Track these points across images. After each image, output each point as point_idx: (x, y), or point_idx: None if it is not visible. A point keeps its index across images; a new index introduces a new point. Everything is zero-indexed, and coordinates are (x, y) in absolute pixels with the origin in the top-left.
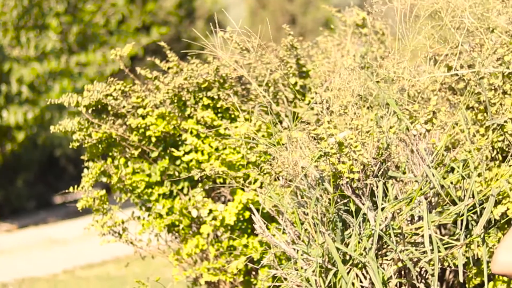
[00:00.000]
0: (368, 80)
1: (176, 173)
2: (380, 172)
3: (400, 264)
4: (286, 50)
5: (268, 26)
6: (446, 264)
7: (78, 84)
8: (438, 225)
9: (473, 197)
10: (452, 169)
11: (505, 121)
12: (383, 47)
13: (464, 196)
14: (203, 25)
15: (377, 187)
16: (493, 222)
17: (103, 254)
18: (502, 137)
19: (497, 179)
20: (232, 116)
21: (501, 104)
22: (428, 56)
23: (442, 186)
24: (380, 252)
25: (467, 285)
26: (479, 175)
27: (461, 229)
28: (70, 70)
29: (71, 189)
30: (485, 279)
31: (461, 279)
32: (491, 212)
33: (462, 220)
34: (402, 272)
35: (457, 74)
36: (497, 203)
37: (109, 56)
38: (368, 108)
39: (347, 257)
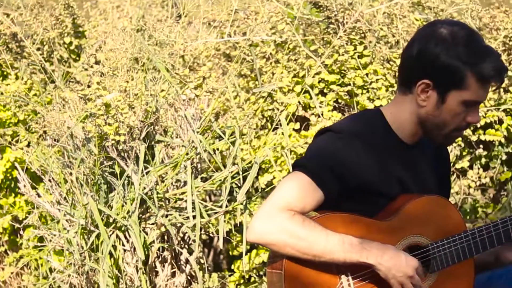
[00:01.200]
0: (143, 43)
1: None
2: (147, 136)
3: (163, 229)
4: (63, 9)
5: None
6: (211, 231)
7: None
8: (209, 193)
9: (237, 164)
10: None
11: (274, 90)
12: (164, 10)
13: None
14: None
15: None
16: (260, 190)
17: None
18: (272, 106)
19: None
20: (4, 73)
21: (272, 73)
22: (202, 21)
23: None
24: (144, 216)
25: (230, 252)
26: (248, 142)
27: (224, 196)
28: None
29: None
30: (244, 246)
31: (220, 245)
32: (258, 180)
33: (226, 187)
34: (166, 237)
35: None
36: (264, 171)
37: None
38: (143, 71)
39: (111, 220)
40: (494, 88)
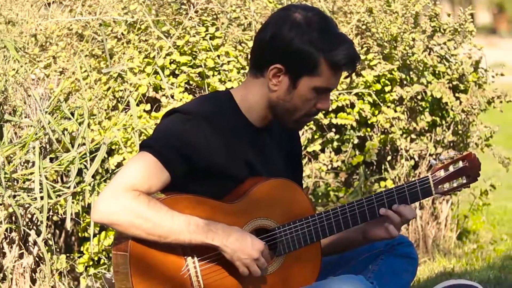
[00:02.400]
0: None
1: None
2: None
3: (11, 210)
4: None
5: None
6: (60, 212)
7: None
8: (61, 174)
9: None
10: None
11: (123, 70)
12: None
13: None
14: None
15: None
16: (110, 171)
17: None
18: (123, 86)
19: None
20: None
21: (124, 53)
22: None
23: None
24: None
25: (80, 234)
26: (98, 123)
27: (72, 177)
28: None
29: None
30: (92, 228)
31: (68, 227)
32: (108, 161)
33: (74, 168)
34: (14, 218)
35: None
36: (115, 152)
37: None
38: None
39: None
40: (346, 76)
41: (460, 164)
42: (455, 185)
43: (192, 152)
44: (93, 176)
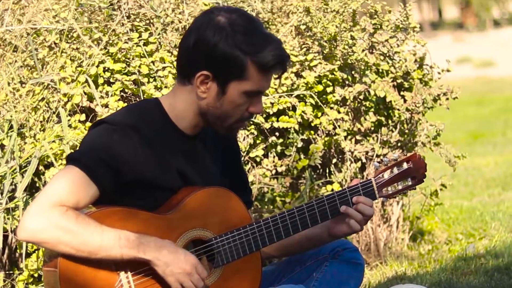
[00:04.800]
0: None
1: None
2: None
3: None
4: None
5: None
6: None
7: None
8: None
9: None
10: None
11: (52, 80)
12: None
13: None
14: None
15: None
16: None
17: None
18: (57, 97)
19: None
20: None
21: (56, 62)
22: None
23: None
24: None
25: (19, 251)
26: (33, 136)
27: (5, 193)
28: None
29: None
30: (24, 244)
31: (0, 244)
32: (43, 175)
33: (6, 183)
34: None
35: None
36: (51, 165)
37: None
38: None
39: None
40: (276, 77)
41: (405, 165)
42: (400, 187)
43: (121, 165)
44: (32, 191)
